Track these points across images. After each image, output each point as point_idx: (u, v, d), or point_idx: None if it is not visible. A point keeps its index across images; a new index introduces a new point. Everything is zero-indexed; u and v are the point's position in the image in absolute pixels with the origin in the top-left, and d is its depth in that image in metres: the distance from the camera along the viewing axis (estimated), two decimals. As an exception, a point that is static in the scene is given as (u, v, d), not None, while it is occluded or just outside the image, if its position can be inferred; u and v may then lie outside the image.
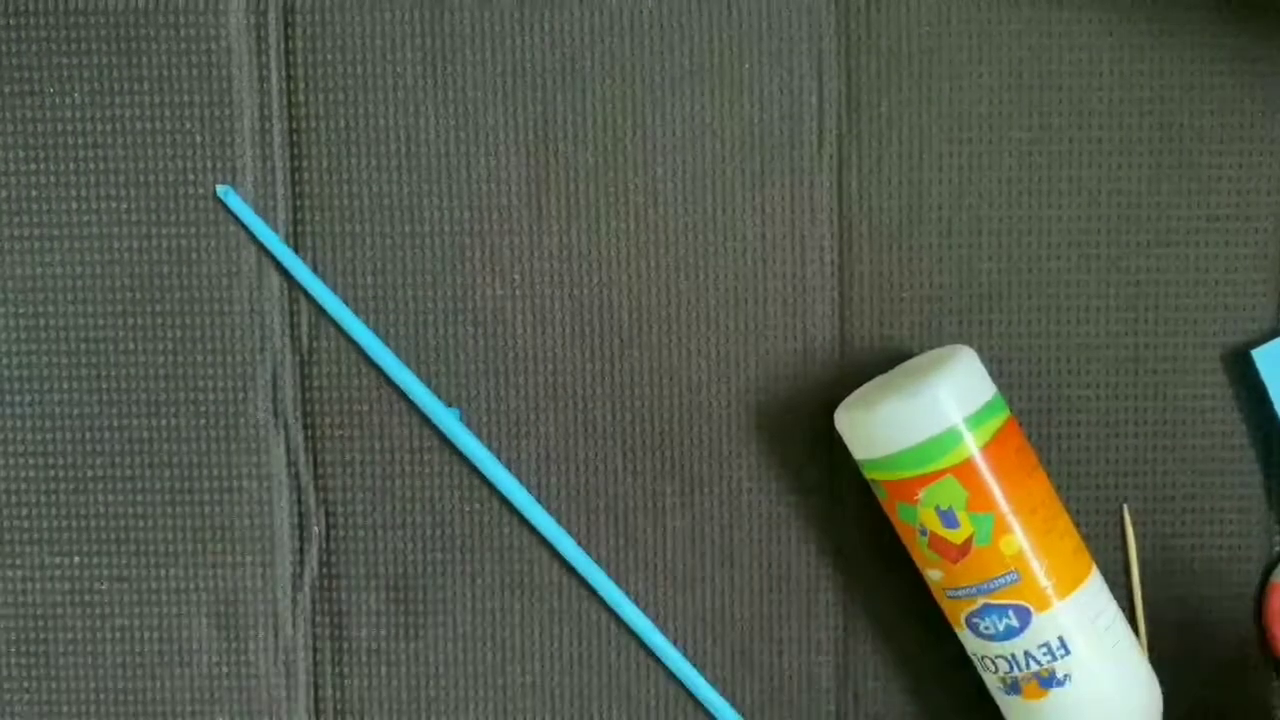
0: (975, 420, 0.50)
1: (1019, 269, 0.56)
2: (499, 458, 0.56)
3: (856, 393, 0.54)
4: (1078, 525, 0.53)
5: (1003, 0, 0.55)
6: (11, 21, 0.55)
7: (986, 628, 0.51)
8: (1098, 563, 0.53)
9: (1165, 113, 0.55)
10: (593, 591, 0.56)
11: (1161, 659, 0.57)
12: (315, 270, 0.56)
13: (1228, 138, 0.55)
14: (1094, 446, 0.56)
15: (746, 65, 0.55)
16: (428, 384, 0.56)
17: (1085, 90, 0.55)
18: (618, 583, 0.57)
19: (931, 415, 0.50)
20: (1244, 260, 0.56)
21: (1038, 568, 0.50)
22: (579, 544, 0.56)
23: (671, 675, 0.57)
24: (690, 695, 0.57)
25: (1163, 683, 0.56)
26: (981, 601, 0.51)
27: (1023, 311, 0.56)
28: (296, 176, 0.55)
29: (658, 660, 0.57)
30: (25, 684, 0.57)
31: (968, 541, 0.50)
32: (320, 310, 0.56)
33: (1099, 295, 0.56)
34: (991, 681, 0.53)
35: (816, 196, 0.56)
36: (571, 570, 0.57)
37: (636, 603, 0.57)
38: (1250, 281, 0.56)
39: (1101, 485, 0.56)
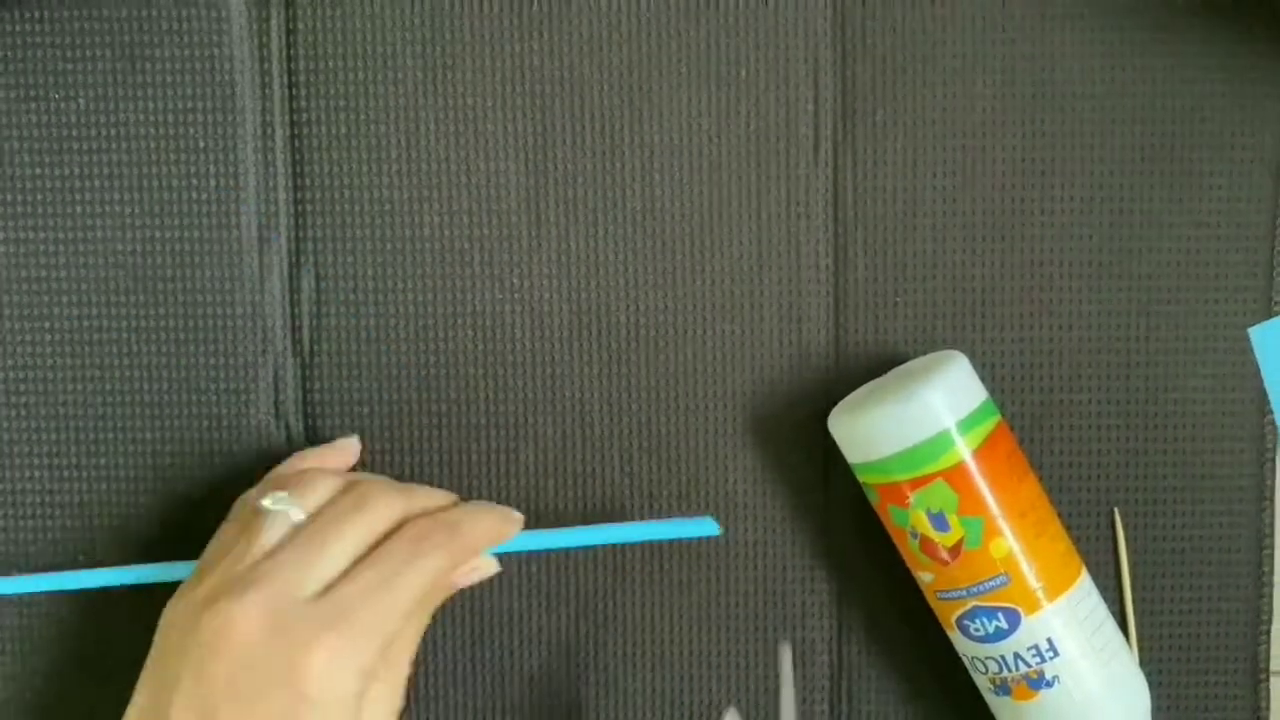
0: (966, 424, 0.51)
1: (1012, 275, 0.56)
2: (495, 463, 0.57)
3: (850, 397, 0.54)
4: (1068, 528, 0.54)
5: (997, 8, 0.55)
6: (16, 28, 0.55)
7: (976, 629, 0.52)
8: (1088, 565, 0.54)
9: (1157, 120, 0.56)
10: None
11: (1151, 661, 0.57)
12: (316, 275, 0.56)
13: (1219, 145, 0.56)
14: (1085, 450, 0.57)
15: (743, 72, 0.56)
16: (426, 387, 0.56)
17: (1078, 98, 0.56)
18: (615, 587, 0.57)
19: (923, 420, 0.50)
20: (1235, 266, 0.56)
21: (1028, 570, 0.51)
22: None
23: (663, 675, 0.57)
24: (683, 693, 0.57)
25: (1152, 685, 0.56)
26: (971, 604, 0.51)
27: (1015, 317, 0.56)
28: (299, 182, 0.56)
29: (652, 660, 0.57)
30: (25, 690, 0.57)
31: (958, 544, 0.51)
32: (321, 313, 0.56)
33: (1090, 301, 0.56)
34: (982, 683, 0.53)
35: (812, 202, 0.56)
36: (568, 569, 0.57)
37: (633, 607, 0.57)
38: (1241, 288, 0.56)
39: (1092, 488, 0.57)
